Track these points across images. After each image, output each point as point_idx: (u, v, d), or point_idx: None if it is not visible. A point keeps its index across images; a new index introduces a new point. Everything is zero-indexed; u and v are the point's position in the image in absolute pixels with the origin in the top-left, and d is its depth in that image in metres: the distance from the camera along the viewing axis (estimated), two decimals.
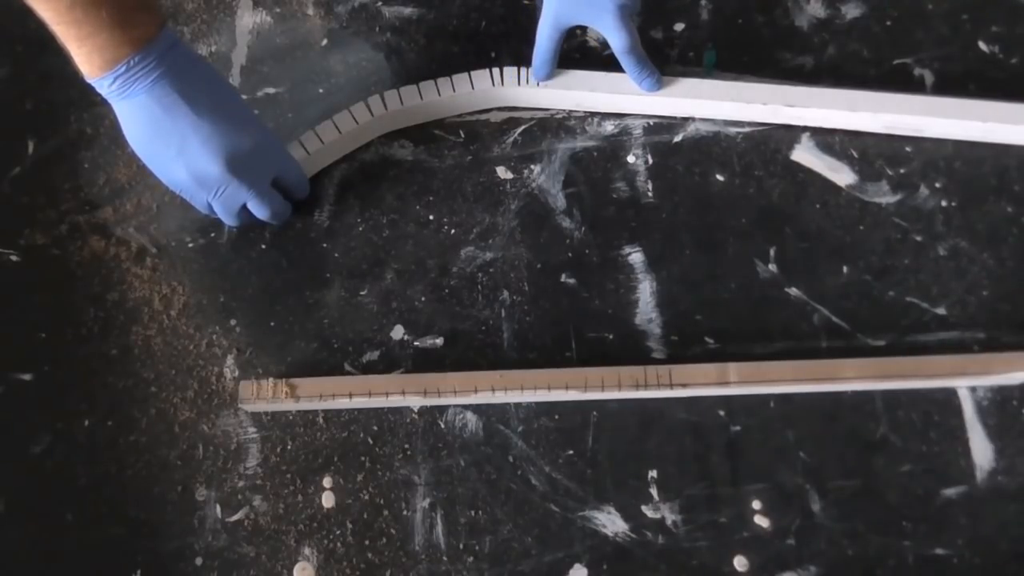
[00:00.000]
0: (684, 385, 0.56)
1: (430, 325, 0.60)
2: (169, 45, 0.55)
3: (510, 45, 0.70)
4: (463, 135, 0.67)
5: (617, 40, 0.62)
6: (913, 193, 0.64)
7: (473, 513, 0.55)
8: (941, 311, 0.60)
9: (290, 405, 0.57)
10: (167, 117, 0.55)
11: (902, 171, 0.65)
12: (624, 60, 0.63)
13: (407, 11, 0.72)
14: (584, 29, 0.70)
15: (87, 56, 0.53)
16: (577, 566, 0.53)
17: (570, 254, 0.63)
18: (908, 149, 0.66)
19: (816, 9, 0.72)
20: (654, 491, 0.55)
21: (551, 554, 0.54)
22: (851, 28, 0.71)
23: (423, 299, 0.61)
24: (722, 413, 0.57)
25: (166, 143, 0.56)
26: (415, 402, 0.57)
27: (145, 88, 0.54)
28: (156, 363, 0.59)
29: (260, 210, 0.60)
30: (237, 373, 0.59)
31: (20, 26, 0.72)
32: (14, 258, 0.63)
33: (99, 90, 0.55)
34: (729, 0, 0.72)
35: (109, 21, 0.51)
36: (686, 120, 0.67)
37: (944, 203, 0.64)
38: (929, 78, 0.69)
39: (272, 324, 0.61)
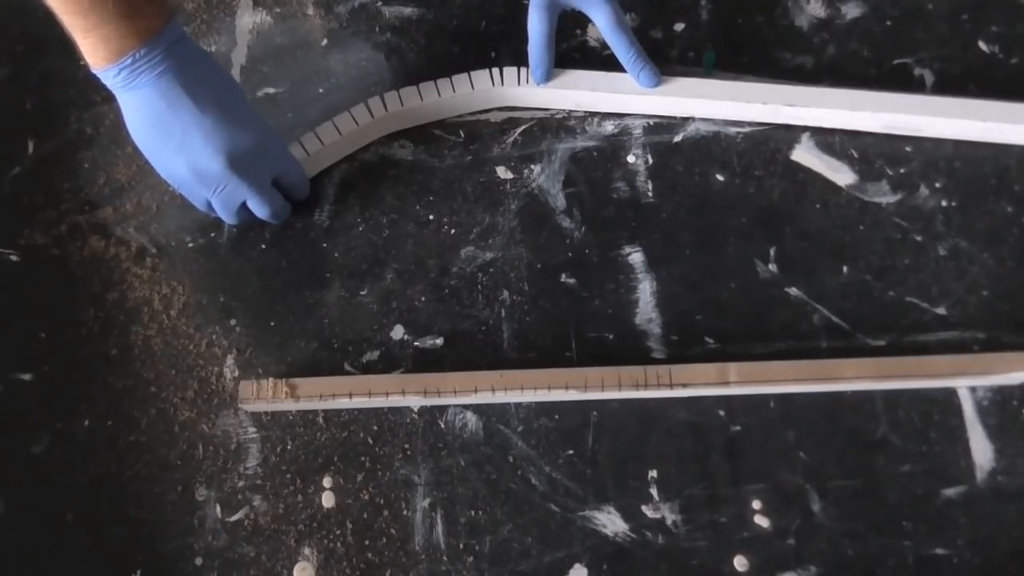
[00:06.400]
0: (684, 385, 0.56)
1: (430, 325, 0.60)
2: (175, 39, 0.55)
3: (510, 45, 0.70)
4: (463, 135, 0.67)
5: (601, 16, 0.62)
6: (913, 193, 0.64)
7: (473, 513, 0.55)
8: (941, 311, 0.60)
9: (290, 405, 0.57)
10: (170, 111, 0.55)
11: (902, 171, 0.65)
12: (612, 39, 0.63)
13: (407, 11, 0.72)
14: (584, 29, 0.70)
15: (92, 47, 0.53)
16: (577, 566, 0.53)
17: (570, 254, 0.63)
18: (908, 149, 0.66)
19: (816, 9, 0.72)
20: (654, 491, 0.55)
21: (551, 554, 0.54)
22: (851, 28, 0.71)
23: (423, 299, 0.61)
24: (722, 413, 0.57)
25: (168, 137, 0.56)
26: (415, 402, 0.57)
27: (150, 81, 0.54)
28: (156, 363, 0.59)
29: (260, 209, 0.60)
30: (237, 373, 0.59)
31: (20, 26, 0.72)
32: (14, 258, 0.63)
33: (104, 80, 0.55)
34: (729, 0, 0.72)
35: (116, 12, 0.51)
36: (686, 120, 0.67)
37: (944, 203, 0.64)
38: (929, 78, 0.69)
39: (272, 324, 0.61)
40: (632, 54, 0.63)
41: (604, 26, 0.63)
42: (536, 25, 0.63)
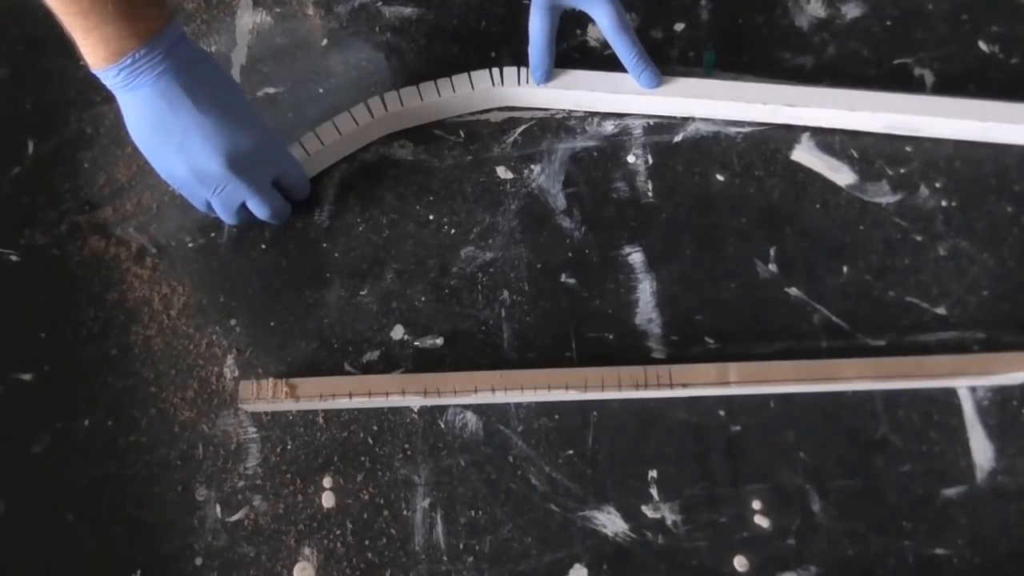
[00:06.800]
0: (684, 385, 0.56)
1: (430, 325, 0.60)
2: (175, 39, 0.55)
3: (510, 45, 0.70)
4: (463, 135, 0.67)
5: (604, 15, 0.62)
6: (913, 193, 0.64)
7: (473, 513, 0.55)
8: (941, 311, 0.60)
9: (290, 405, 0.57)
10: (170, 111, 0.55)
11: (902, 171, 0.65)
12: (614, 39, 0.63)
13: (407, 11, 0.72)
14: (584, 29, 0.70)
15: (92, 47, 0.53)
16: (577, 566, 0.53)
17: (570, 254, 0.63)
18: (908, 149, 0.66)
19: (816, 9, 0.72)
20: (654, 491, 0.55)
21: (551, 554, 0.54)
22: (851, 28, 0.71)
23: (423, 299, 0.61)
24: (722, 413, 0.57)
25: (167, 137, 0.56)
26: (415, 402, 0.57)
27: (150, 81, 0.54)
28: (156, 363, 0.59)
29: (260, 209, 0.60)
30: (237, 373, 0.59)
31: (20, 26, 0.72)
32: (14, 258, 0.63)
33: (103, 81, 0.55)
34: (729, 0, 0.72)
35: (115, 13, 0.51)
36: (686, 120, 0.67)
37: (944, 203, 0.64)
38: (929, 78, 0.69)
39: (272, 324, 0.61)
40: (634, 54, 0.63)
41: (607, 26, 0.63)
42: (537, 25, 0.63)
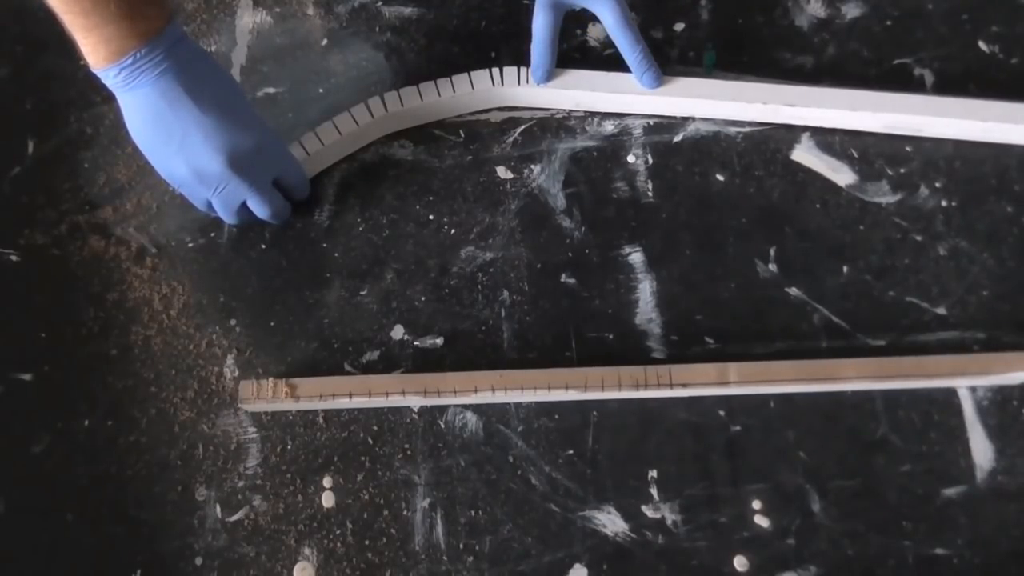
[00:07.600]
0: (684, 385, 0.56)
1: (430, 325, 0.60)
2: (176, 39, 0.55)
3: (510, 45, 0.70)
4: (463, 135, 0.67)
5: (608, 13, 0.62)
6: (913, 193, 0.64)
7: (473, 513, 0.55)
8: (941, 311, 0.60)
9: (290, 405, 0.57)
10: (171, 111, 0.55)
11: (902, 171, 0.65)
12: (618, 37, 0.63)
13: (407, 11, 0.72)
14: (584, 29, 0.70)
15: (93, 47, 0.53)
16: (577, 566, 0.53)
17: (570, 254, 0.63)
18: (908, 149, 0.66)
19: (816, 9, 0.72)
20: (654, 491, 0.55)
21: (551, 554, 0.54)
22: (851, 28, 0.71)
23: (423, 299, 0.61)
24: (722, 413, 0.57)
25: (168, 137, 0.56)
26: (415, 402, 0.57)
27: (150, 81, 0.54)
28: (156, 363, 0.59)
29: (260, 209, 0.60)
30: (237, 373, 0.59)
31: (20, 26, 0.72)
32: (14, 258, 0.63)
33: (104, 80, 0.55)
34: (729, 0, 0.72)
35: (117, 13, 0.51)
36: (686, 120, 0.67)
37: (944, 203, 0.64)
38: (929, 78, 0.69)
39: (272, 324, 0.61)
40: (638, 52, 0.63)
41: (611, 24, 0.62)
42: (541, 23, 0.63)
